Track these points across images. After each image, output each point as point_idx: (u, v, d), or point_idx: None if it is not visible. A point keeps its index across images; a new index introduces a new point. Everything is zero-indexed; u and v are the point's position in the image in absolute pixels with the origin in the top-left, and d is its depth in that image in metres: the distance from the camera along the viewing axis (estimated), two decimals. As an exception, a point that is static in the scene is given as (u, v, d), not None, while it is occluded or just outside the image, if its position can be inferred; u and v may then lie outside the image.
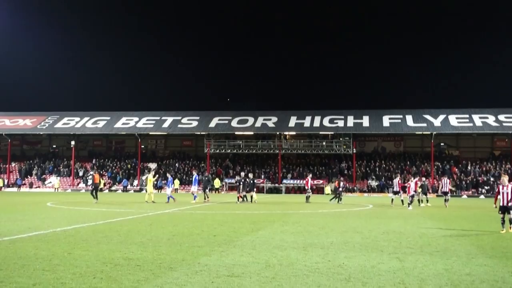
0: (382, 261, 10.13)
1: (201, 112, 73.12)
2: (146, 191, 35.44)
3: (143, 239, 13.23)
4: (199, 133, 68.95)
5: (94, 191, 32.27)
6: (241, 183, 34.62)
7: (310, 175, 42.10)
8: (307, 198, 36.32)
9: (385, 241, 13.38)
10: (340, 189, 36.81)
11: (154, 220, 19.47)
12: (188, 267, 9.22)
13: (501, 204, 16.21)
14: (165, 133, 70.96)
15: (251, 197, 34.16)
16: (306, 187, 37.51)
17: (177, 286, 7.68)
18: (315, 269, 9.21)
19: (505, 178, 16.61)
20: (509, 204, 15.92)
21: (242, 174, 37.43)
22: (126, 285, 7.72)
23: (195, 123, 69.40)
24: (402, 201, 33.06)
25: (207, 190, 36.51)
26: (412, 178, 32.31)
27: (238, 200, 34.52)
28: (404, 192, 32.89)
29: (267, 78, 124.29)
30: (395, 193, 34.54)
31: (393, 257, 10.66)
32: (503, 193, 16.19)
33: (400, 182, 35.54)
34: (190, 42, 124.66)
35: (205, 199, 34.75)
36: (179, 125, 69.21)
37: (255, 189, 35.08)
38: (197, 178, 35.20)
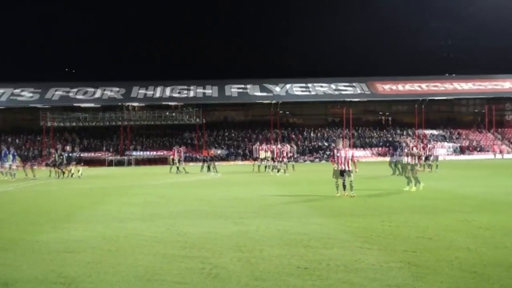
0: (223, 227, 10.29)
1: (39, 84, 68.41)
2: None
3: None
4: (37, 105, 64.66)
5: None
6: (58, 157, 32.01)
7: (177, 146, 42.10)
8: (177, 169, 36.04)
9: (227, 207, 13.64)
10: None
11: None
12: (16, 246, 8.58)
13: (335, 168, 15.93)
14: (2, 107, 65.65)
15: (70, 171, 31.60)
16: (173, 157, 37.07)
17: (8, 267, 7.12)
18: (157, 238, 9.07)
19: (340, 142, 16.74)
20: (349, 167, 15.74)
21: (59, 147, 34.11)
22: None
23: (32, 95, 65.10)
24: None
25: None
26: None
27: (56, 175, 31.83)
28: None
29: (111, 48, 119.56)
30: (255, 159, 36.21)
31: (233, 222, 10.86)
32: (338, 157, 15.93)
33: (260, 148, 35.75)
34: (22, 8, 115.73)
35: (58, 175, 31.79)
36: (14, 97, 64.48)
37: (73, 163, 32.24)
38: (15, 154, 31.40)
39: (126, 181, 27.88)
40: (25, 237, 9.60)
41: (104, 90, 66.63)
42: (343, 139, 17.97)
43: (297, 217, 11.52)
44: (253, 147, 37.72)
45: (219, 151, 64.82)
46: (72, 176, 31.30)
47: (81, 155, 61.61)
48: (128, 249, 8.20)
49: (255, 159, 36.31)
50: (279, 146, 33.55)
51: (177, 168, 36.17)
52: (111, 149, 65.24)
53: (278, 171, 31.42)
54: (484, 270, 6.41)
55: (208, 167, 36.79)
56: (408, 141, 19.28)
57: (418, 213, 11.66)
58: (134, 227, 10.41)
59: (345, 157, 15.82)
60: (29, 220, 11.89)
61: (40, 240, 9.11)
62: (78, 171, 32.06)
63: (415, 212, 11.85)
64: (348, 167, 15.77)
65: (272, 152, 32.04)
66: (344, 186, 15.81)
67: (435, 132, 70.43)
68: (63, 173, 31.69)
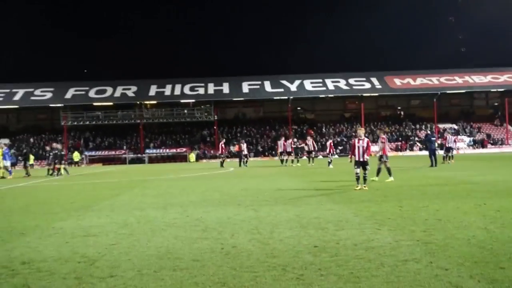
0: (239, 213, 10.54)
1: (55, 83, 69.40)
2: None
3: (-8, 211, 12.52)
4: (54, 105, 65.57)
5: None
6: (50, 154, 32.08)
7: (224, 140, 43.05)
8: (222, 162, 37.50)
9: (243, 197, 13.89)
10: (245, 152, 38.39)
11: (5, 193, 18.44)
12: (41, 232, 8.93)
13: (356, 159, 15.24)
14: (17, 107, 66.52)
15: (59, 170, 31.55)
16: (220, 153, 38.46)
17: (28, 248, 7.44)
18: (173, 223, 9.38)
19: (361, 132, 15.80)
20: (365, 158, 15.12)
21: (54, 145, 33.76)
22: (-29, 252, 7.33)
23: (49, 95, 65.93)
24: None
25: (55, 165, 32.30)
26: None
27: (48, 172, 31.89)
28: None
29: (123, 48, 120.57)
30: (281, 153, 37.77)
31: (249, 209, 11.12)
32: (358, 147, 15.21)
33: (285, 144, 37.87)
34: (37, 7, 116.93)
35: (50, 173, 31.84)
36: (32, 97, 65.37)
37: (63, 161, 32.30)
38: (7, 152, 31.30)
39: (144, 175, 28.27)
40: (42, 224, 9.92)
41: (120, 88, 67.22)
42: (361, 128, 16.99)
43: (312, 204, 11.73)
44: (279, 142, 38.83)
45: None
46: (58, 174, 31.05)
47: (98, 153, 62.68)
48: (147, 232, 8.48)
49: (281, 153, 37.63)
50: (306, 140, 37.13)
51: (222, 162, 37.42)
52: (124, 147, 65.86)
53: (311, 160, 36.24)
54: (492, 245, 6.58)
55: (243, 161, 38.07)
56: (381, 133, 19.69)
57: (429, 199, 11.82)
58: (152, 215, 10.70)
59: (363, 148, 15.14)
60: (45, 210, 12.21)
61: (58, 227, 9.42)
62: (64, 169, 31.78)
63: (426, 198, 12.00)
64: (364, 158, 15.09)
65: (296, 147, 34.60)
66: (365, 179, 15.11)
67: (451, 126, 70.05)
68: (53, 170, 31.63)
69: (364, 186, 14.95)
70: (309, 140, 37.57)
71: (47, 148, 32.97)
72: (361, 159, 15.12)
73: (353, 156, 15.42)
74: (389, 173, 18.07)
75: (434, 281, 5.05)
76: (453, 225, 8.23)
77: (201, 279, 5.42)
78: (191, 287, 5.14)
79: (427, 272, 5.37)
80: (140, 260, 6.45)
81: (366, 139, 15.31)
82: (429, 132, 55.60)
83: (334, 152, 36.54)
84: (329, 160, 33.07)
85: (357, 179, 15.07)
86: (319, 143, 59.05)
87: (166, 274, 5.66)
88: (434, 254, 6.20)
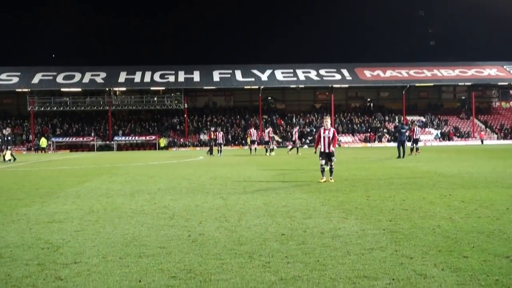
0: (206, 201, 10.49)
1: (21, 68, 68.00)
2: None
3: (-47, 196, 12.21)
4: (20, 89, 64.22)
5: None
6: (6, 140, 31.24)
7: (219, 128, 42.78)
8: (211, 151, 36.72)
9: (211, 185, 13.84)
10: (274, 138, 38.44)
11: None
12: (4, 218, 8.74)
13: (321, 150, 14.42)
14: (-19, 91, 65.00)
15: (4, 156, 30.77)
16: (219, 141, 36.90)
17: (-10, 235, 7.28)
18: (140, 211, 9.29)
19: (328, 120, 14.98)
20: (330, 150, 14.29)
21: (6, 130, 32.84)
22: None
23: (15, 79, 64.59)
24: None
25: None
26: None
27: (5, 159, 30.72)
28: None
29: (94, 33, 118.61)
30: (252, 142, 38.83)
31: (217, 197, 11.09)
32: (324, 137, 14.40)
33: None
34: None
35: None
36: (-3, 81, 64.00)
37: (10, 147, 31.30)
38: None
39: (112, 163, 27.95)
40: (5, 210, 9.72)
41: (89, 74, 66.23)
42: (327, 116, 15.82)
43: (280, 193, 11.75)
44: (249, 131, 39.36)
45: (205, 137, 64.89)
46: (4, 160, 30.38)
47: (65, 139, 61.72)
48: (113, 219, 8.38)
49: (252, 142, 38.60)
50: (268, 130, 37.22)
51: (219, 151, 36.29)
52: (93, 134, 65.04)
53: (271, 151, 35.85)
54: (457, 235, 6.69)
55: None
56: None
57: (396, 189, 11.95)
58: (119, 201, 10.59)
59: (328, 138, 14.34)
60: (9, 196, 11.97)
61: (22, 213, 9.24)
62: (7, 155, 30.89)
63: (393, 189, 12.14)
64: (330, 149, 14.29)
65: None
66: (331, 171, 14.33)
67: (419, 118, 71.02)
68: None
69: (331, 179, 14.15)
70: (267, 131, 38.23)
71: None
72: (327, 150, 14.27)
73: (318, 146, 14.69)
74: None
75: (399, 269, 5.10)
76: (419, 214, 8.34)
77: (167, 266, 5.37)
78: (157, 274, 5.08)
79: (393, 260, 5.42)
80: (105, 246, 6.37)
81: (332, 129, 14.55)
82: (398, 123, 56.29)
83: (297, 141, 36.73)
84: (271, 148, 35.42)
85: (322, 171, 14.27)
86: (289, 133, 59.27)
87: (132, 261, 5.59)
88: (399, 243, 6.27)
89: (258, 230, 7.23)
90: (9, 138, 31.76)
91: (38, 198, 11.39)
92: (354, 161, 25.27)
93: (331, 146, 14.36)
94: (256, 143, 37.08)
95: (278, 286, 4.65)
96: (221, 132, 37.91)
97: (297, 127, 40.53)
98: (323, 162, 14.23)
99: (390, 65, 72.14)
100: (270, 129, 37.73)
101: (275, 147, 38.38)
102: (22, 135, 64.52)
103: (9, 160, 30.36)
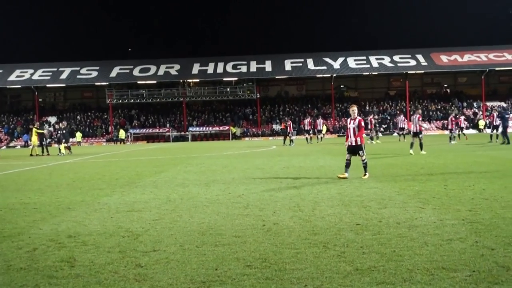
0: (280, 190, 10.53)
1: (100, 62, 70.57)
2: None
3: (41, 186, 12.91)
4: (99, 83, 66.75)
5: None
6: (61, 133, 32.39)
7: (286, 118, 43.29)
8: (291, 141, 36.38)
9: (285, 174, 13.88)
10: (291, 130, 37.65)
11: (54, 169, 18.95)
12: (87, 207, 9.15)
13: (346, 143, 13.00)
14: (64, 85, 68.02)
15: (59, 149, 31.64)
16: (289, 131, 36.90)
17: (75, 223, 7.63)
18: (215, 200, 9.45)
19: (354, 109, 13.17)
20: (357, 142, 12.71)
21: (62, 124, 33.71)
22: (22, 225, 7.56)
23: (95, 73, 67.12)
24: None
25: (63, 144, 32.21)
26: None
27: (60, 152, 31.39)
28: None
29: (167, 26, 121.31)
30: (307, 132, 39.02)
31: (290, 187, 11.11)
32: (349, 128, 12.87)
33: (310, 122, 39.50)
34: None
35: (42, 153, 31.91)
36: (78, 76, 66.68)
37: (63, 140, 32.01)
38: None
39: (187, 153, 28.56)
40: (88, 199, 10.16)
41: (164, 67, 67.77)
42: (353, 105, 13.48)
43: (354, 182, 11.63)
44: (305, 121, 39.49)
45: (277, 126, 64.96)
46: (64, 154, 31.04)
47: (142, 130, 63.64)
48: (189, 209, 8.57)
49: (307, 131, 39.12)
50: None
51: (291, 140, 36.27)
52: (168, 125, 66.55)
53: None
54: (542, 226, 6.39)
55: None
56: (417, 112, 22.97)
57: (476, 178, 11.53)
58: (194, 191, 10.82)
59: (353, 129, 12.77)
60: (91, 186, 12.48)
61: (104, 202, 9.63)
62: (62, 148, 31.61)
63: (472, 178, 11.72)
64: (356, 142, 12.71)
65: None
66: (364, 167, 12.76)
67: (500, 104, 67.97)
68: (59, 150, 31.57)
69: (365, 174, 12.59)
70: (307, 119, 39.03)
71: (57, 126, 32.71)
72: (352, 144, 12.70)
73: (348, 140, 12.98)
74: (421, 147, 20.70)
75: (480, 260, 4.93)
76: (500, 204, 8.02)
77: (242, 255, 5.45)
78: (232, 262, 5.16)
79: (473, 252, 5.25)
80: (183, 235, 6.53)
81: (358, 118, 12.86)
82: (502, 109, 54.15)
83: (372, 129, 36.11)
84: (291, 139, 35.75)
85: (346, 165, 12.68)
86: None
87: (208, 250, 5.71)
88: (480, 234, 6.06)
89: (333, 220, 7.19)
90: (65, 131, 32.84)
91: (118, 188, 11.83)
92: (430, 148, 24.59)
93: (358, 139, 12.69)
94: (291, 134, 36.23)
95: (354, 276, 4.60)
96: (291, 122, 37.76)
97: (372, 115, 39.99)
98: (349, 156, 12.70)
99: (468, 49, 69.26)
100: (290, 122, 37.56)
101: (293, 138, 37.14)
102: (102, 127, 67.10)
103: (62, 154, 30.81)
